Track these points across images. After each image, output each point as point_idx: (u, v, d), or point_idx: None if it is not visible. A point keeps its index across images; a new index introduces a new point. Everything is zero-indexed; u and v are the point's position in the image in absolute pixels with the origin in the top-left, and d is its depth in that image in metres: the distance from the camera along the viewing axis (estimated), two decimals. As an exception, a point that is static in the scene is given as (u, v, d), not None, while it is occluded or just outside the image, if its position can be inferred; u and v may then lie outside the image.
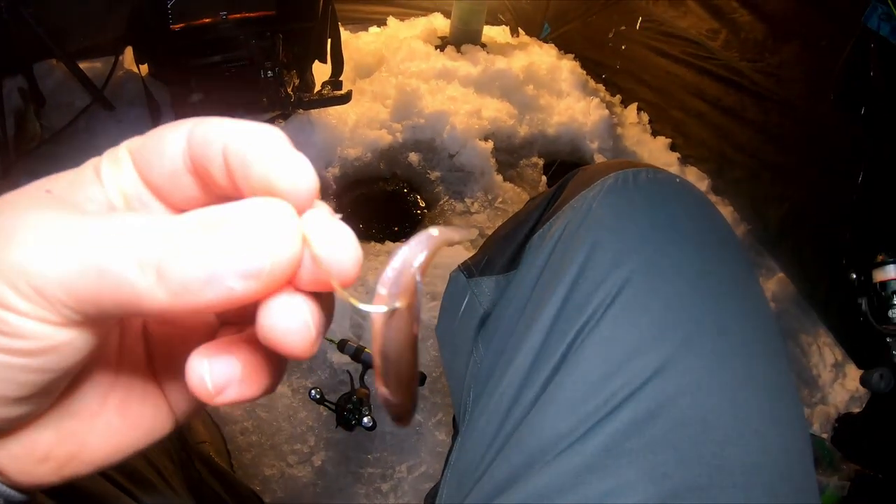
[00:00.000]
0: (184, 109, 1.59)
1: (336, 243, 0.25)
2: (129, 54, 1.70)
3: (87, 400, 0.31)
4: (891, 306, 1.11)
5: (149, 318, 0.31)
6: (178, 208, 0.30)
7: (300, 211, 0.25)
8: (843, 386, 1.54)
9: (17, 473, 0.29)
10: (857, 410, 1.46)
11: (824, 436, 1.42)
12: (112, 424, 0.31)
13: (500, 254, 0.70)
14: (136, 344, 0.33)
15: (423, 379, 1.24)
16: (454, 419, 0.79)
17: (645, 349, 0.51)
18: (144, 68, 1.64)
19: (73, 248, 0.23)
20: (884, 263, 1.12)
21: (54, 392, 0.28)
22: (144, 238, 0.23)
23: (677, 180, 0.62)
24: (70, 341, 0.25)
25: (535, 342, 0.56)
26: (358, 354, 1.27)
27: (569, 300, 0.56)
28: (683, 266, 0.55)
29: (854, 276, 1.15)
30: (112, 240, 0.23)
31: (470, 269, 0.73)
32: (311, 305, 0.26)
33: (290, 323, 0.25)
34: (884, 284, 1.12)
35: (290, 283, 0.25)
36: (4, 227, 0.24)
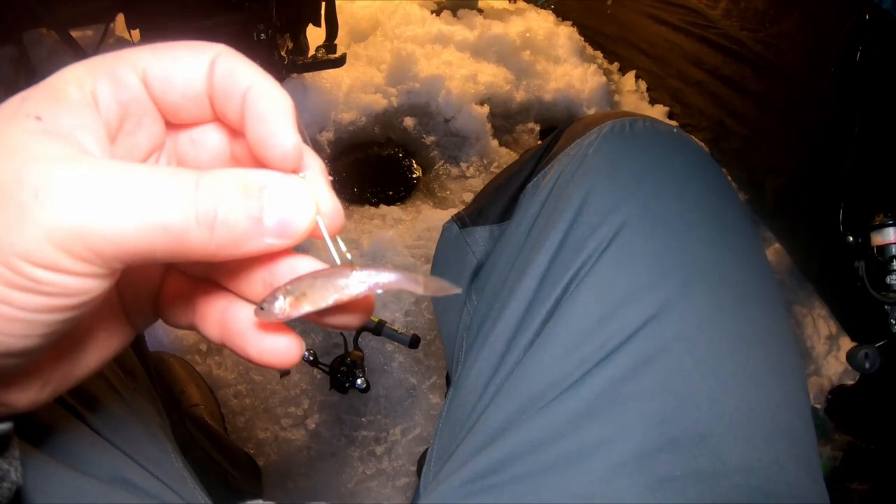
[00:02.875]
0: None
1: (332, 207, 0.31)
2: (120, 21, 1.67)
3: (82, 329, 0.33)
4: (889, 271, 1.04)
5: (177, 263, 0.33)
6: (178, 127, 0.33)
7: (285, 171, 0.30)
8: (836, 358, 1.54)
9: (22, 400, 0.32)
10: (850, 383, 1.46)
11: (818, 406, 1.42)
12: (97, 347, 0.35)
13: (494, 204, 0.69)
14: None
15: (417, 341, 1.24)
16: (447, 378, 0.78)
17: (641, 294, 0.50)
18: (136, 34, 1.62)
19: (135, 207, 0.25)
20: (882, 226, 1.05)
21: (61, 335, 0.29)
22: (201, 196, 0.26)
23: (675, 130, 0.61)
24: (105, 285, 0.27)
25: (529, 288, 0.55)
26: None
27: (563, 245, 0.55)
28: (680, 212, 0.54)
29: (851, 238, 1.10)
30: (173, 197, 0.26)
31: (463, 220, 0.72)
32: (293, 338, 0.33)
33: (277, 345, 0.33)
34: (882, 249, 1.05)
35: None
36: (25, 177, 0.25)
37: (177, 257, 0.27)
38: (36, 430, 0.47)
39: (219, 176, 0.27)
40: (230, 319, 0.34)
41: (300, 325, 1.43)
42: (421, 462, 0.80)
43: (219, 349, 1.39)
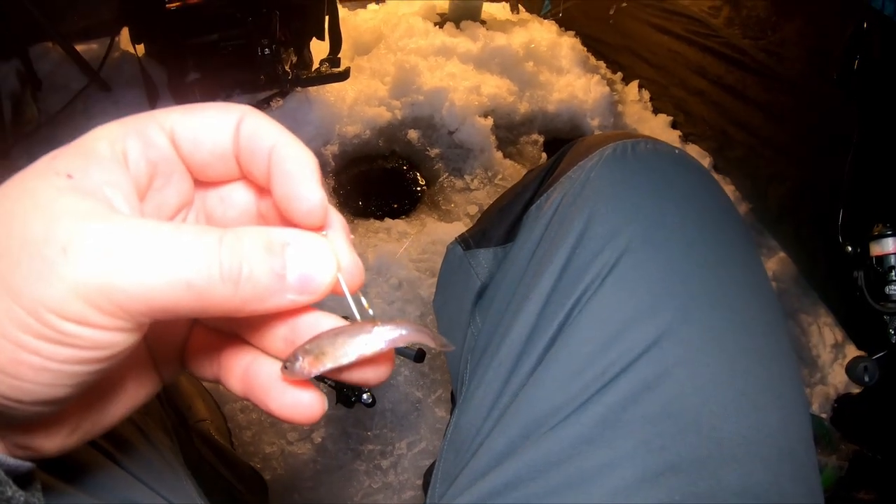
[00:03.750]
0: (181, 89, 1.58)
1: (353, 264, 0.32)
2: (125, 35, 1.68)
3: (111, 379, 0.34)
4: (888, 282, 1.03)
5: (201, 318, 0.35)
6: (206, 184, 0.34)
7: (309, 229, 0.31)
8: (842, 366, 1.53)
9: (49, 446, 0.32)
10: (856, 391, 1.46)
11: (823, 416, 1.42)
12: (125, 397, 0.35)
13: (498, 225, 0.69)
14: None
15: (422, 356, 1.24)
16: (452, 395, 0.78)
17: (642, 319, 0.51)
18: (141, 49, 1.63)
19: (159, 264, 0.26)
20: (881, 236, 1.04)
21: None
22: (224, 253, 0.27)
23: (676, 151, 0.62)
24: (132, 340, 0.28)
25: (532, 313, 0.56)
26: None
27: (566, 270, 0.55)
28: (681, 236, 0.54)
29: (850, 248, 1.09)
30: (196, 255, 0.27)
31: (467, 242, 0.73)
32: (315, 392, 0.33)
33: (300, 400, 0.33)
34: (881, 259, 1.04)
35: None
36: (53, 233, 0.25)
37: (201, 313, 0.28)
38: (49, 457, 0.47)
39: (242, 233, 0.28)
40: (253, 374, 0.34)
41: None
42: (427, 476, 0.80)
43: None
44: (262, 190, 0.34)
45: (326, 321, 0.33)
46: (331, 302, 0.33)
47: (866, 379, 1.05)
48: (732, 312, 0.52)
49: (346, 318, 0.33)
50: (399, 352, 1.24)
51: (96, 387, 0.32)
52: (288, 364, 0.31)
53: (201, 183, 0.34)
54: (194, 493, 0.60)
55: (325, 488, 1.27)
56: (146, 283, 0.26)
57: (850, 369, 1.07)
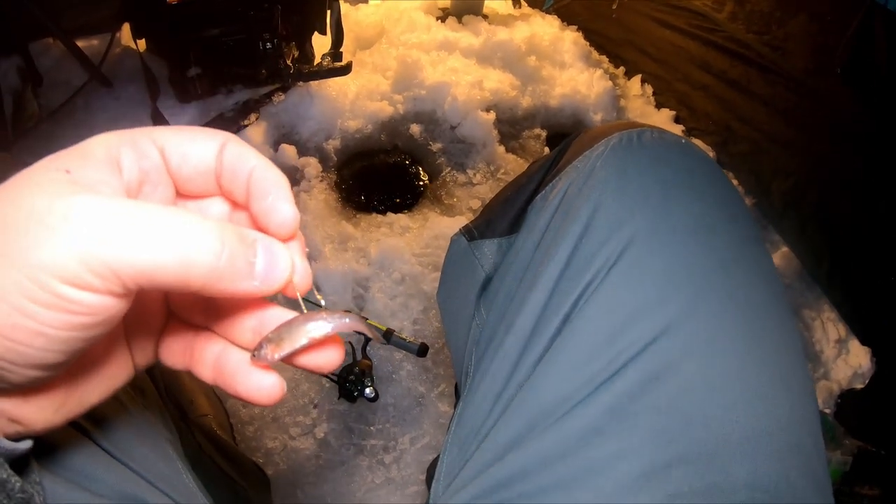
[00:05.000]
0: (182, 84, 1.57)
1: (304, 269, 0.37)
2: (126, 31, 1.68)
3: (94, 357, 0.37)
4: None
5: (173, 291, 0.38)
6: (186, 197, 0.38)
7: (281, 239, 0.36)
8: (846, 362, 1.53)
9: (39, 422, 0.34)
10: (860, 387, 1.46)
11: (827, 411, 1.42)
12: (105, 377, 0.38)
13: (502, 216, 0.69)
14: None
15: (425, 350, 1.24)
16: (456, 388, 0.78)
17: (649, 310, 0.50)
18: (142, 44, 1.63)
19: (153, 233, 0.29)
20: None
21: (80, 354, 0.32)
22: (209, 232, 0.30)
23: (682, 141, 0.61)
24: (121, 307, 0.30)
25: (538, 304, 0.55)
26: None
27: (571, 261, 0.54)
28: (688, 226, 0.54)
29: None
30: (187, 230, 0.30)
31: (471, 233, 0.72)
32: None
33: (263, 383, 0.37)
34: None
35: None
36: (56, 206, 0.28)
37: (182, 283, 0.30)
38: (45, 449, 0.47)
39: (223, 223, 0.32)
40: (223, 362, 0.38)
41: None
42: (430, 470, 0.79)
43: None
44: (237, 205, 0.38)
45: (287, 314, 0.37)
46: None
47: None
48: (740, 303, 0.51)
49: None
50: (402, 346, 1.24)
51: (81, 363, 0.36)
52: (256, 352, 0.36)
53: (181, 195, 0.38)
54: (193, 487, 0.60)
55: (328, 483, 1.27)
56: (141, 249, 0.28)
57: None
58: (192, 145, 0.35)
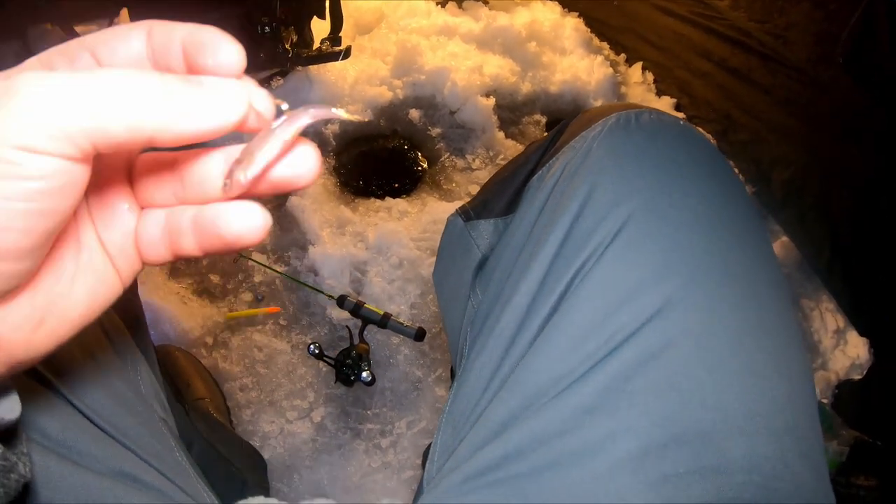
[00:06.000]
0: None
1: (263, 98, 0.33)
2: (124, 16, 1.67)
3: (65, 261, 0.35)
4: None
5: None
6: None
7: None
8: (844, 352, 1.53)
9: (19, 344, 0.32)
10: (857, 377, 1.46)
11: (824, 401, 1.42)
12: (86, 284, 0.35)
13: (499, 197, 0.68)
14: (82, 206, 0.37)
15: (422, 334, 1.24)
16: (452, 371, 0.78)
17: (646, 289, 0.50)
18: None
19: (99, 88, 0.28)
20: None
21: (49, 242, 0.31)
22: (152, 77, 0.29)
23: (681, 123, 0.61)
24: (77, 177, 0.29)
25: (534, 282, 0.55)
26: (357, 310, 1.27)
27: (568, 239, 0.54)
28: (686, 205, 0.53)
29: None
30: (134, 79, 0.29)
31: (467, 213, 0.72)
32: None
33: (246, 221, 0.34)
34: None
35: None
36: (4, 84, 0.28)
37: (135, 131, 0.29)
38: (37, 425, 0.47)
39: (165, 73, 0.31)
40: (200, 221, 0.36)
41: (305, 318, 1.43)
42: (426, 455, 0.79)
43: (225, 342, 1.39)
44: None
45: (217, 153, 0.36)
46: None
47: None
48: (738, 283, 0.51)
49: None
50: (399, 330, 1.24)
51: (53, 266, 0.34)
52: (227, 180, 0.34)
53: None
54: (186, 465, 0.60)
55: (325, 467, 1.27)
56: (88, 105, 0.28)
57: None
58: (118, 37, 0.34)
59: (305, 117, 0.34)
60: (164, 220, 0.37)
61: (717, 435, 0.46)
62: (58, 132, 0.27)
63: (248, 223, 0.34)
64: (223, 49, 0.32)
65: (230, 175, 0.34)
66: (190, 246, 0.36)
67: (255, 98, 0.32)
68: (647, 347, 0.48)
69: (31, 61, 0.33)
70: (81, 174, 0.29)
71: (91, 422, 0.51)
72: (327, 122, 1.70)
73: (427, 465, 0.60)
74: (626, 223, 0.52)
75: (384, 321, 1.25)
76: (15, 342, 0.32)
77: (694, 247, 0.51)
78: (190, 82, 0.31)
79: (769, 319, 0.51)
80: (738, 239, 0.54)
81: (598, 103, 1.91)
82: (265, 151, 0.33)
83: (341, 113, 0.35)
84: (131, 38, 0.34)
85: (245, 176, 0.33)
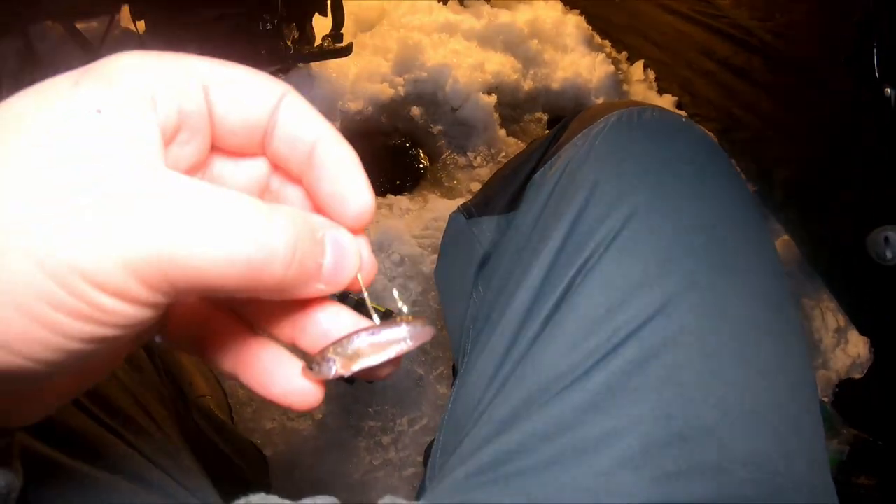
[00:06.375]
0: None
1: (371, 262, 0.32)
2: (125, 13, 1.67)
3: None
4: None
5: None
6: (222, 149, 0.31)
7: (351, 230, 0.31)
8: (845, 351, 1.53)
9: (27, 419, 0.30)
10: (858, 376, 1.46)
11: (825, 400, 1.42)
12: (106, 360, 0.33)
13: (501, 194, 0.68)
14: None
15: (423, 332, 1.24)
16: (454, 368, 0.78)
17: (648, 286, 0.50)
18: (141, 25, 1.62)
19: (223, 235, 0.23)
20: None
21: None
22: (281, 232, 0.25)
23: (683, 120, 0.61)
24: (158, 317, 0.25)
25: (536, 279, 0.55)
26: (359, 307, 1.27)
27: (570, 237, 0.54)
28: (687, 203, 0.53)
29: (889, 90, 0.99)
30: (260, 231, 0.24)
31: (469, 210, 0.72)
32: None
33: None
34: None
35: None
36: (103, 184, 0.22)
37: (240, 292, 0.25)
38: (40, 425, 0.47)
39: (293, 215, 0.26)
40: (252, 355, 0.32)
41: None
42: (428, 452, 0.80)
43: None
44: (278, 168, 0.32)
45: (345, 315, 0.32)
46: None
47: (889, 255, 0.92)
48: (739, 280, 0.51)
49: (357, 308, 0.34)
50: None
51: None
52: (315, 365, 0.30)
53: (216, 148, 0.31)
54: (190, 464, 0.60)
55: (326, 464, 1.27)
56: (206, 256, 0.23)
57: (871, 242, 0.94)
58: (246, 90, 0.28)
59: (420, 333, 0.31)
60: (203, 323, 0.34)
61: (719, 432, 0.46)
62: (162, 283, 0.23)
63: (307, 397, 0.32)
64: (362, 200, 0.30)
65: (320, 363, 0.30)
66: (224, 364, 0.34)
67: (364, 270, 0.30)
68: (650, 345, 0.48)
69: (126, 70, 0.25)
70: (160, 314, 0.25)
71: (94, 420, 0.51)
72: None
73: (429, 462, 0.60)
74: (628, 221, 0.52)
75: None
76: (23, 419, 0.30)
77: (695, 244, 0.51)
78: (315, 241, 0.27)
79: (770, 316, 0.52)
80: (739, 236, 0.54)
81: (600, 101, 1.91)
82: (373, 358, 0.30)
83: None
84: (261, 98, 0.29)
85: (338, 372, 0.30)
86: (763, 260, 0.54)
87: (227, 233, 0.23)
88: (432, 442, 0.69)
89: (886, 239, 0.93)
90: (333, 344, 0.30)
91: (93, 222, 0.21)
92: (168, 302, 0.24)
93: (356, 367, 0.30)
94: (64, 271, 0.21)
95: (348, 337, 0.30)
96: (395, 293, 0.35)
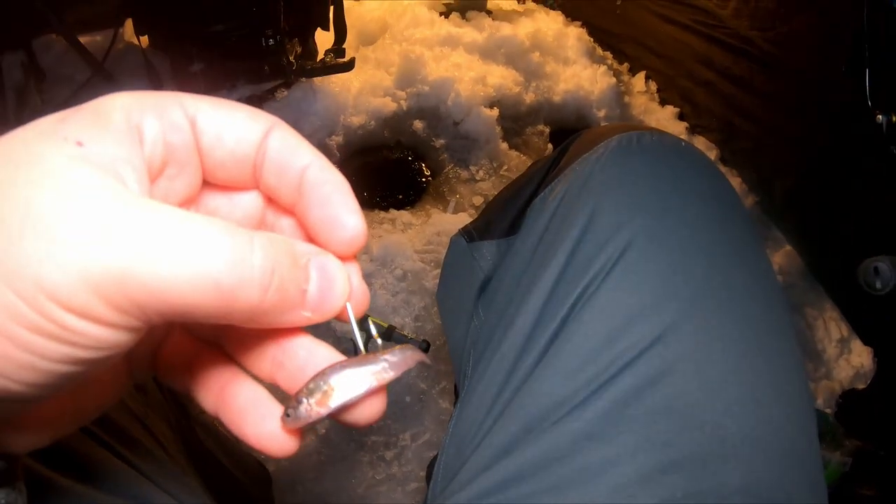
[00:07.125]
0: (185, 79, 1.57)
1: (362, 291, 0.31)
2: (129, 26, 1.68)
3: (91, 378, 0.32)
4: None
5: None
6: (214, 184, 0.31)
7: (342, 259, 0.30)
8: (848, 362, 1.53)
9: (20, 444, 0.30)
10: (861, 387, 1.46)
11: (828, 411, 1.42)
12: (98, 396, 0.33)
13: (501, 218, 0.69)
14: None
15: (427, 347, 1.24)
16: (455, 387, 0.78)
17: (646, 314, 0.50)
18: (145, 40, 1.63)
19: (188, 256, 0.23)
20: None
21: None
22: (258, 256, 0.25)
23: (682, 144, 0.61)
24: (136, 341, 0.25)
25: (535, 306, 0.55)
26: (361, 322, 1.27)
27: (570, 264, 0.55)
28: (686, 229, 0.54)
29: (881, 117, 0.96)
30: (232, 252, 0.24)
31: (470, 234, 0.72)
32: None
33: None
34: None
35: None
36: (66, 209, 0.22)
37: (216, 318, 0.25)
38: (46, 450, 0.47)
39: (272, 239, 0.26)
40: (231, 394, 0.32)
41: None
42: (430, 468, 0.80)
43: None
44: (272, 201, 0.33)
45: (322, 349, 0.31)
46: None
47: (878, 285, 0.91)
48: (737, 308, 0.52)
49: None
50: (405, 341, 1.24)
51: (75, 388, 0.30)
52: (290, 411, 0.29)
53: (207, 183, 0.31)
54: (197, 487, 0.60)
55: (329, 479, 1.27)
56: (170, 276, 0.22)
57: (861, 272, 0.92)
58: (232, 123, 0.29)
59: (402, 362, 0.30)
60: (191, 361, 0.33)
61: (715, 460, 0.47)
62: (129, 306, 0.23)
63: (278, 443, 0.31)
64: (352, 226, 0.29)
65: (295, 406, 0.28)
66: (207, 402, 0.33)
67: (355, 298, 0.30)
68: (647, 374, 0.49)
69: (113, 106, 0.26)
70: (136, 339, 0.25)
71: (98, 443, 0.52)
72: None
73: (431, 484, 0.60)
74: (626, 248, 0.53)
75: (388, 334, 1.25)
76: (15, 446, 0.30)
77: (694, 271, 0.52)
78: (298, 266, 0.27)
79: (767, 341, 0.52)
80: (736, 261, 0.54)
81: (602, 113, 1.92)
82: (347, 392, 0.28)
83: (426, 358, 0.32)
84: (248, 130, 0.29)
85: (314, 413, 0.28)
86: (760, 283, 0.55)
87: (192, 251, 0.23)
88: (435, 458, 0.70)
89: (876, 269, 0.92)
90: (302, 387, 0.29)
91: (53, 237, 0.22)
92: (141, 325, 0.24)
93: (333, 403, 0.28)
94: (29, 288, 0.22)
95: (321, 373, 0.29)
96: (372, 326, 0.33)
